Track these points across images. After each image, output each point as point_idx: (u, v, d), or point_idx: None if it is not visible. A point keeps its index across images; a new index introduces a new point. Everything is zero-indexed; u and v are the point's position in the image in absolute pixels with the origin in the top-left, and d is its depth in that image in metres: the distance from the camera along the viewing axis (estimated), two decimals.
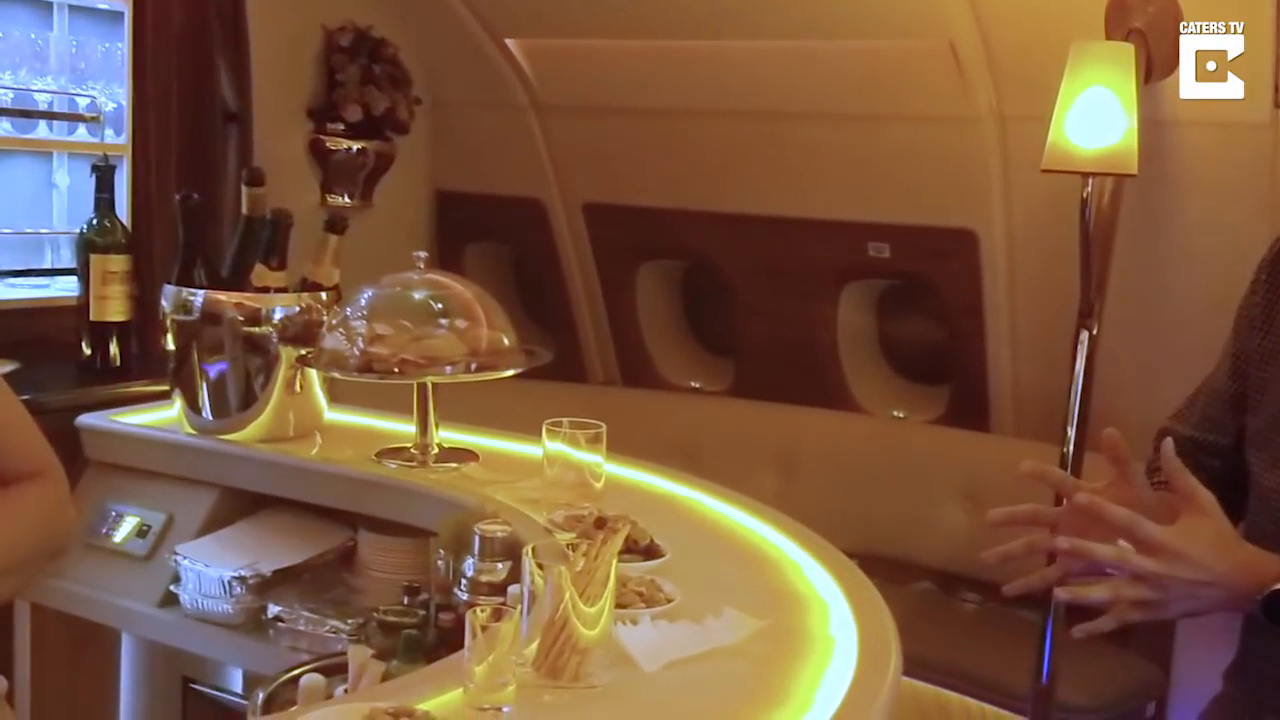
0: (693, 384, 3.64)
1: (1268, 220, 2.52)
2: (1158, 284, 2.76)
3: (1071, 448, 2.42)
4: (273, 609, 1.78)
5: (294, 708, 1.36)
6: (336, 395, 2.08)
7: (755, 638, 1.28)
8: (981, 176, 2.90)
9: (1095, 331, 2.43)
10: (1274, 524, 1.35)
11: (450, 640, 1.42)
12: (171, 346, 1.98)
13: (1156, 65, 2.48)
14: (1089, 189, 2.36)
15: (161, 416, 2.08)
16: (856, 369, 3.37)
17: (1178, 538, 1.21)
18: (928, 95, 2.89)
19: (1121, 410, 2.60)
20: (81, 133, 3.09)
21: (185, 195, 2.06)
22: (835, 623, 1.36)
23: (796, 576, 1.51)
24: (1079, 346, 2.43)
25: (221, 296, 1.94)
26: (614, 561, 1.13)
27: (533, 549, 1.15)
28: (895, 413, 3.34)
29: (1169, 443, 1.26)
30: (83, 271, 2.51)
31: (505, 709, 1.07)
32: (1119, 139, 2.27)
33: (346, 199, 3.38)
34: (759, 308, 3.41)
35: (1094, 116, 2.28)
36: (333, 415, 2.08)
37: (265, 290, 1.96)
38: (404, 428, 1.97)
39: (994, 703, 2.64)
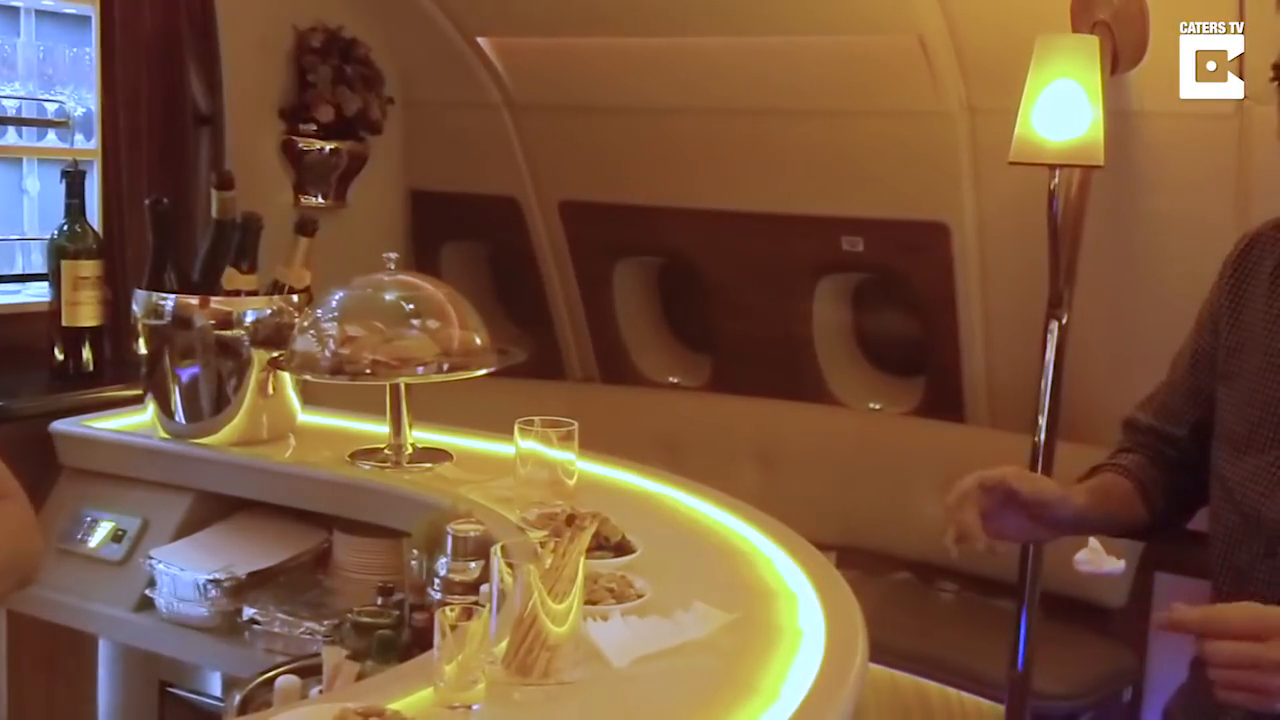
0: (671, 379, 3.65)
1: (1235, 209, 2.54)
2: (1127, 273, 2.78)
3: (1043, 437, 2.44)
4: (248, 611, 1.78)
5: (269, 709, 1.37)
6: (309, 397, 2.08)
7: (724, 631, 1.30)
8: (952, 170, 2.92)
9: (1065, 321, 2.45)
10: (1239, 516, 1.37)
11: (424, 640, 1.42)
12: (144, 351, 1.98)
13: (1123, 57, 2.50)
14: (1056, 181, 2.38)
15: (135, 421, 2.08)
16: (832, 362, 3.39)
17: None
18: (898, 90, 2.90)
19: (1092, 399, 2.64)
20: (51, 138, 3.07)
21: (155, 200, 2.06)
22: (804, 615, 1.37)
23: (767, 570, 1.52)
24: (1049, 336, 2.45)
25: (192, 300, 1.94)
26: (581, 558, 1.14)
27: (501, 547, 1.15)
28: (871, 405, 3.36)
29: None
30: (54, 277, 2.49)
31: (475, 707, 1.08)
32: (1085, 131, 2.29)
33: (320, 199, 3.37)
34: (735, 303, 3.43)
35: (1060, 109, 2.29)
36: (306, 417, 2.08)
37: (236, 293, 1.96)
38: (377, 428, 1.97)
39: (971, 691, 2.67)
